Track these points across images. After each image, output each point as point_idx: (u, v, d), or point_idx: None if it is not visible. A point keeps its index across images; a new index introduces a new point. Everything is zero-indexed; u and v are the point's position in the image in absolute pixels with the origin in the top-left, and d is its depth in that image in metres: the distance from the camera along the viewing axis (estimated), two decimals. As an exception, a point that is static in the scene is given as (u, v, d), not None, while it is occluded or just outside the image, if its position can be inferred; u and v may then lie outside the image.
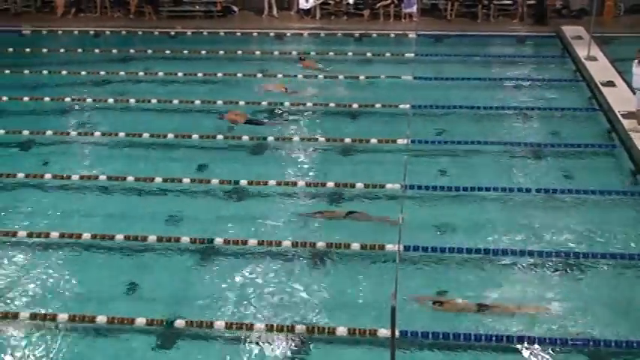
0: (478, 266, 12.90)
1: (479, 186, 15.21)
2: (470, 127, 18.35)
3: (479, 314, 11.63)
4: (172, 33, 26.91)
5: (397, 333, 10.47)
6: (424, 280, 12.52)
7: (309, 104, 19.84)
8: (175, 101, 19.89)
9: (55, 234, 13.68)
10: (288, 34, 26.78)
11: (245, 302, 12.01)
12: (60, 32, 27.43)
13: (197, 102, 19.82)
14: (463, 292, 12.14)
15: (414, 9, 27.34)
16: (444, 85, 21.09)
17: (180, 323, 11.34)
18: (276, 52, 24.57)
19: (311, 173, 16.28)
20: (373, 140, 17.32)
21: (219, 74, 22.00)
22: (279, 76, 22.07)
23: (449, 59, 23.32)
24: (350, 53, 24.44)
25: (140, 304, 11.96)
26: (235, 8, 29.12)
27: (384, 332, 10.85)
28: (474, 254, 13.07)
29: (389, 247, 12.98)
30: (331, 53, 24.24)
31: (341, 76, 21.92)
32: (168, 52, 24.41)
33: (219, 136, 17.60)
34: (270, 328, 11.25)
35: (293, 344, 11.12)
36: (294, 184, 15.58)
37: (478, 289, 12.30)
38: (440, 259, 13.02)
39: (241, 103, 19.69)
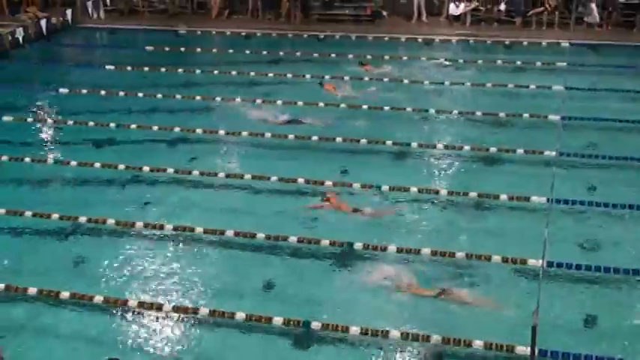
0: (624, 286, 12.35)
1: (629, 203, 14.56)
2: (622, 142, 17.63)
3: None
4: (321, 36, 27.23)
5: (537, 352, 10.13)
6: (567, 298, 12.08)
7: (454, 111, 19.60)
8: (321, 104, 20.05)
9: (199, 229, 14.01)
10: (437, 40, 26.58)
11: (381, 308, 11.93)
12: (213, 33, 28.34)
13: (343, 105, 19.91)
14: (607, 312, 11.67)
15: (597, 17, 26.61)
16: (597, 96, 20.34)
17: (316, 325, 11.37)
18: (423, 58, 24.44)
19: (453, 182, 16.04)
20: (519, 151, 16.91)
21: (366, 78, 22.04)
22: (426, 82, 21.98)
23: (603, 70, 22.53)
24: (499, 61, 24.01)
25: (278, 303, 12.08)
26: (384, 13, 29.16)
27: (522, 349, 10.53)
28: (622, 274, 12.49)
29: (531, 262, 12.61)
30: (480, 61, 23.92)
31: (489, 84, 21.54)
32: (316, 54, 24.69)
33: (363, 140, 17.61)
34: (405, 336, 11.12)
35: (427, 354, 10.96)
36: (436, 192, 15.38)
37: (624, 309, 11.79)
38: (585, 277, 12.53)
39: (386, 108, 19.68)
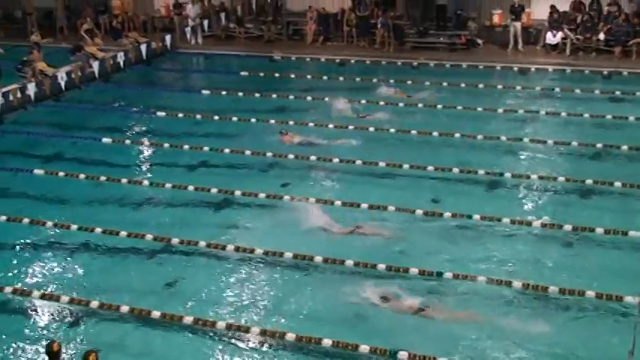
0: None
1: None
2: None
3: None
4: (415, 64, 27.20)
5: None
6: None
7: (549, 142, 19.22)
8: (413, 132, 19.98)
9: (288, 254, 14.08)
10: (533, 69, 26.21)
11: (471, 340, 11.68)
12: (308, 59, 28.61)
13: (435, 133, 19.79)
14: None
15: None
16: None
17: (403, 355, 11.22)
18: (518, 87, 24.13)
19: (547, 213, 15.67)
20: (617, 184, 16.45)
21: (459, 107, 21.88)
22: (520, 111, 21.69)
23: None
24: (597, 91, 23.51)
25: (365, 332, 11.97)
26: (480, 41, 28.94)
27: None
28: None
29: (628, 299, 12.20)
30: (577, 90, 23.47)
31: (586, 115, 21.09)
32: (409, 82, 24.63)
33: (455, 170, 17.44)
34: (495, 371, 10.89)
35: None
36: (529, 223, 15.06)
37: None
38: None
39: (479, 137, 19.47)
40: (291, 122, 21.03)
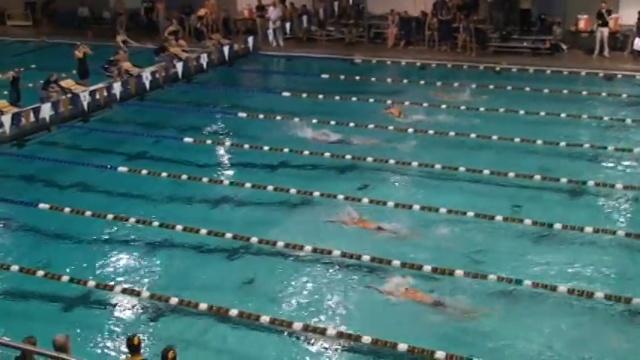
0: None
1: None
2: None
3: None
4: (497, 69, 26.86)
5: None
6: None
7: (635, 150, 18.74)
8: (494, 137, 19.70)
9: (365, 257, 14.00)
10: (619, 76, 25.60)
11: (549, 351, 11.47)
12: (388, 62, 28.57)
13: (517, 139, 19.47)
14: None
15: None
16: None
17: (478, 362, 11.12)
18: (603, 94, 23.58)
19: (632, 223, 15.31)
20: None
21: (542, 113, 21.49)
22: (605, 118, 21.24)
23: None
24: (687, 99, 22.85)
25: (440, 338, 11.86)
26: (564, 46, 28.42)
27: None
28: None
29: None
30: (664, 97, 22.88)
31: (673, 123, 20.55)
32: (491, 86, 24.34)
33: (537, 177, 17.14)
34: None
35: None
36: (613, 232, 14.70)
37: None
38: None
39: (562, 144, 19.11)
40: (370, 126, 20.96)
